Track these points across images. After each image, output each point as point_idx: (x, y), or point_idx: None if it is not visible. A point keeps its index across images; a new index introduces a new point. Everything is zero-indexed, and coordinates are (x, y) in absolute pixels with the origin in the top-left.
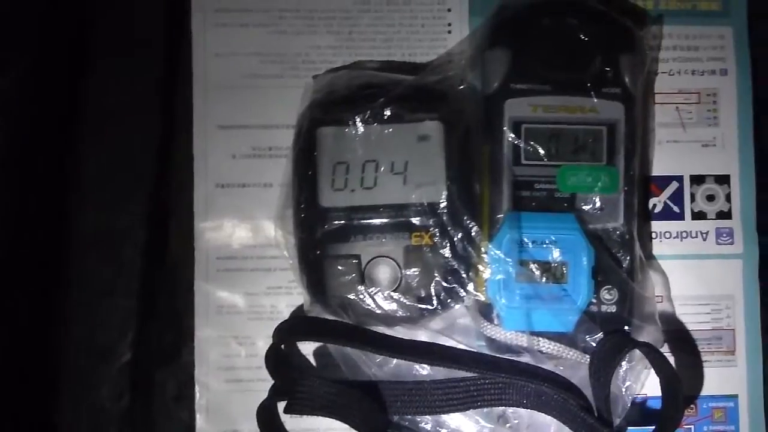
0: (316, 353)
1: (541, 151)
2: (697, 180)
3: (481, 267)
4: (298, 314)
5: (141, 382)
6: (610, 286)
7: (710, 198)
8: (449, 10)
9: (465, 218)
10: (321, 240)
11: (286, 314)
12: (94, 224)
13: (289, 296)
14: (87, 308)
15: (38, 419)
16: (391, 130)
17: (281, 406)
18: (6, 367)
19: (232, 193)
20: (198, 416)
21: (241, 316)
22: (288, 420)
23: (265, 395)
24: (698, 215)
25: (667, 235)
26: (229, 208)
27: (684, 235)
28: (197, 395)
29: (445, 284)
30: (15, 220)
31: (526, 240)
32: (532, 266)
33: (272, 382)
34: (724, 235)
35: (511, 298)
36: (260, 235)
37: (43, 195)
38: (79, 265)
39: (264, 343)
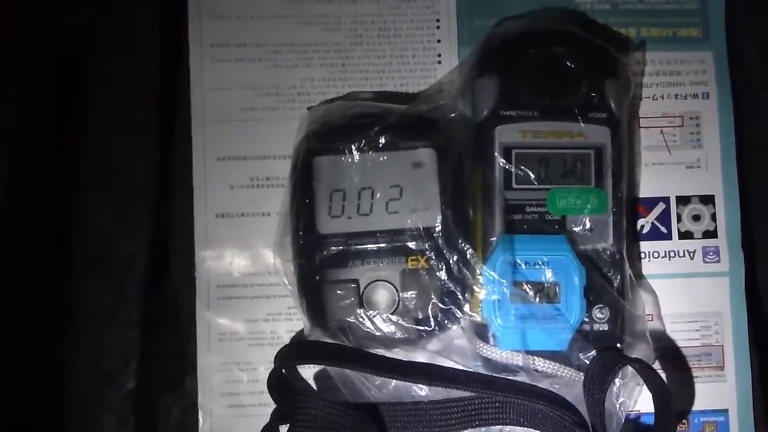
0: (317, 377)
1: (532, 175)
2: (683, 201)
3: (476, 288)
4: (299, 339)
5: (145, 409)
6: (601, 305)
7: (696, 218)
8: (439, 41)
9: (459, 241)
10: (319, 266)
11: (286, 339)
12: (96, 253)
13: (289, 322)
14: (90, 336)
15: None
16: (385, 157)
17: (283, 430)
18: (12, 393)
19: (232, 223)
20: None
21: (243, 342)
22: None
23: (267, 419)
24: (685, 235)
25: (656, 254)
26: (229, 237)
27: (672, 254)
28: (201, 421)
29: (441, 306)
30: (17, 249)
31: (519, 261)
32: (526, 287)
33: (274, 406)
34: (711, 253)
35: (506, 318)
36: (259, 263)
37: (45, 225)
38: (81, 293)
39: (265, 369)
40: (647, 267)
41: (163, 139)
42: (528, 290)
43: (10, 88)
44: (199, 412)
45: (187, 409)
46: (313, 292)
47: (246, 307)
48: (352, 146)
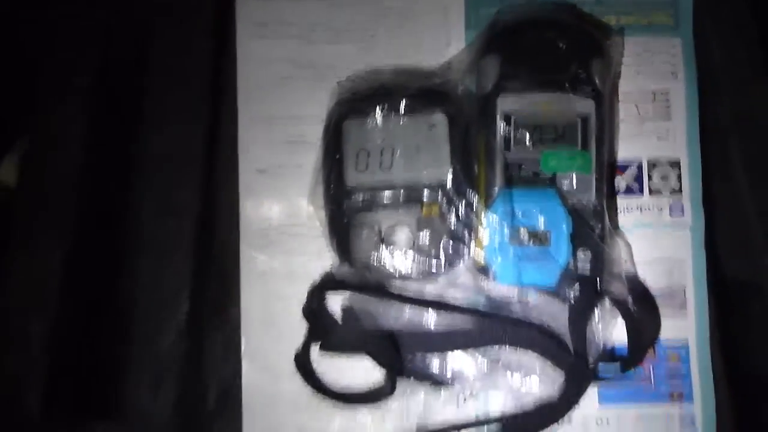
0: (343, 308)
1: (527, 139)
2: (653, 164)
3: (480, 232)
4: (329, 274)
5: (196, 335)
6: (585, 249)
7: (664, 178)
8: (448, 26)
9: (466, 193)
10: (347, 212)
11: (317, 275)
12: (156, 202)
13: (320, 260)
14: (153, 271)
15: (114, 363)
16: (404, 121)
17: (314, 352)
18: (92, 318)
19: (271, 176)
20: (244, 361)
21: (280, 277)
22: (317, 364)
23: (299, 342)
24: (655, 192)
25: (630, 208)
26: (268, 188)
27: (643, 208)
28: (243, 344)
29: (450, 247)
30: (93, 199)
31: (516, 211)
32: (522, 232)
33: (306, 333)
34: (676, 209)
35: (505, 258)
36: (295, 210)
37: (114, 175)
38: (145, 234)
39: (299, 300)
40: (623, 219)
41: (213, 106)
42: (523, 235)
43: (90, 56)
44: (242, 336)
45: (232, 333)
46: (341, 233)
47: (283, 246)
48: (376, 112)
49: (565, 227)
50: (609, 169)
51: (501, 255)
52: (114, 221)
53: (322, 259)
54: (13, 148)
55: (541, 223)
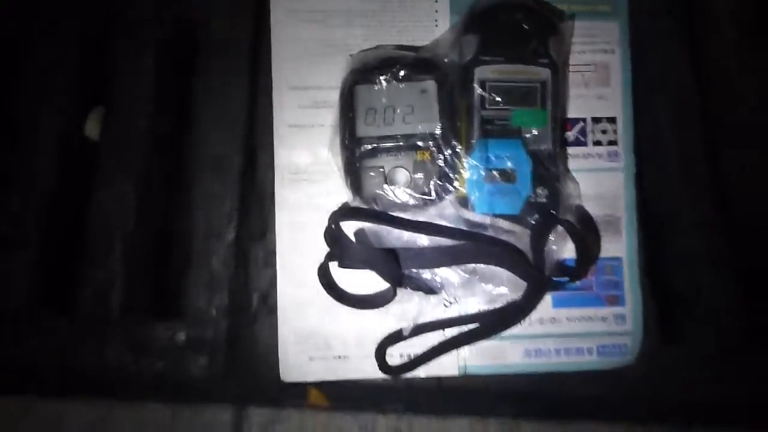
0: (356, 233)
1: (499, 100)
2: (596, 120)
3: (462, 172)
4: (344, 205)
5: (241, 255)
6: (543, 186)
7: (604, 132)
8: (436, 11)
9: (452, 142)
10: (358, 157)
11: (335, 206)
12: (208, 154)
13: (337, 196)
14: (207, 207)
15: (178, 276)
16: (403, 86)
17: (333, 266)
18: (159, 242)
19: (299, 131)
20: (278, 274)
21: (306, 208)
22: (335, 276)
23: (321, 260)
24: (596, 143)
25: (577, 156)
26: (297, 139)
27: (587, 155)
28: (277, 261)
29: (439, 183)
30: (161, 149)
31: (490, 156)
32: (494, 172)
33: (328, 250)
34: (613, 156)
35: (481, 192)
36: (317, 157)
37: (175, 129)
38: (200, 186)
39: (321, 226)
40: (572, 163)
41: (253, 76)
42: (496, 174)
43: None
44: (277, 255)
45: (269, 253)
46: (354, 174)
47: (309, 186)
48: (381, 79)
49: (527, 168)
50: (561, 124)
51: (478, 190)
52: (175, 168)
53: (339, 195)
54: (95, 107)
55: (509, 165)
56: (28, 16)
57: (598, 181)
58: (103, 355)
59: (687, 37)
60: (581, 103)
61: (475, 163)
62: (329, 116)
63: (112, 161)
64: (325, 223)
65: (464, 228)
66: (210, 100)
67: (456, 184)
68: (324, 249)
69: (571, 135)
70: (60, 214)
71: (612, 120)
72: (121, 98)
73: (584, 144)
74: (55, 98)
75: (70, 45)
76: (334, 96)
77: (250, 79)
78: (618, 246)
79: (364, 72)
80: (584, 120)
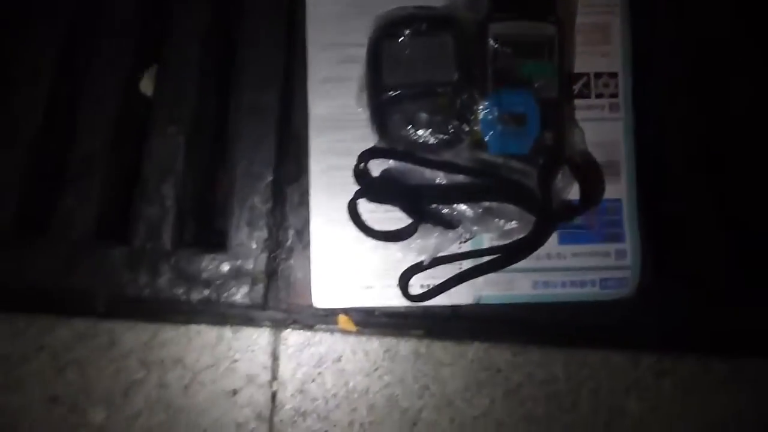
0: (382, 171)
1: (511, 53)
2: (598, 75)
3: (478, 116)
4: (372, 147)
5: (278, 194)
6: (550, 130)
7: (605, 85)
8: None
9: (468, 89)
10: (384, 102)
11: (362, 149)
12: (251, 105)
13: (364, 141)
14: (248, 153)
15: (222, 212)
16: (423, 40)
17: (361, 204)
18: (205, 183)
19: (332, 84)
20: (312, 211)
21: (337, 153)
22: (363, 212)
23: (351, 195)
24: (599, 96)
25: (581, 107)
26: (330, 91)
27: (591, 107)
28: (311, 200)
29: (457, 124)
30: (206, 101)
31: (502, 102)
32: (507, 116)
33: (356, 189)
34: (614, 107)
35: (495, 134)
36: (348, 104)
37: (221, 90)
38: (242, 133)
39: (350, 168)
40: (578, 114)
41: (289, 35)
42: (508, 118)
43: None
44: (311, 194)
45: (304, 192)
46: (381, 119)
47: (340, 130)
48: (405, 34)
49: (535, 114)
50: (567, 75)
51: (492, 132)
52: (220, 117)
53: (366, 141)
54: (149, 66)
55: (520, 110)
56: None
57: (601, 129)
58: (155, 283)
59: None
60: (585, 59)
61: (489, 108)
62: (357, 70)
63: (164, 113)
64: (354, 164)
65: (480, 167)
66: (251, 56)
67: (472, 127)
68: (352, 189)
69: (576, 88)
70: (119, 158)
71: (613, 75)
72: (171, 59)
73: (588, 96)
74: (117, 59)
75: (130, 13)
76: (362, 52)
77: (287, 36)
78: (618, 188)
79: (390, 28)
80: (588, 75)
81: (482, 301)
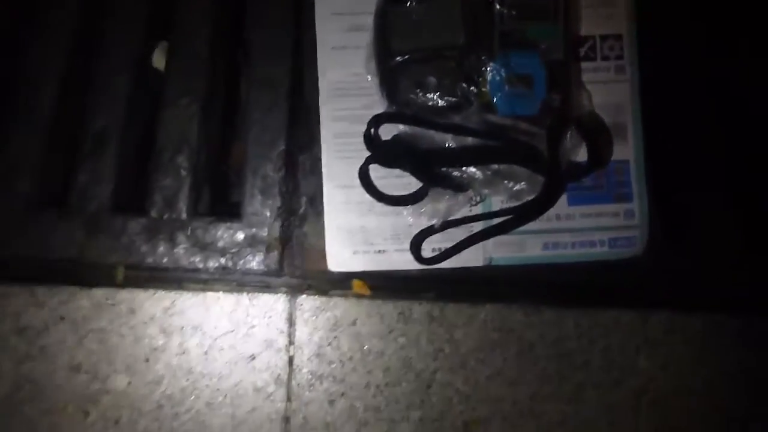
0: (392, 136)
1: (517, 15)
2: (603, 38)
3: (487, 77)
4: (381, 113)
5: (290, 162)
6: (556, 91)
7: (611, 48)
8: None
9: (475, 52)
10: (393, 68)
11: (372, 114)
12: (262, 75)
13: (373, 108)
14: (261, 122)
15: (236, 182)
16: (431, 4)
17: (372, 169)
18: (219, 152)
19: (340, 52)
20: (324, 178)
21: (346, 120)
22: (374, 177)
23: (361, 161)
24: (604, 58)
25: (588, 69)
26: (339, 58)
27: (597, 69)
28: (323, 166)
29: (464, 87)
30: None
31: (510, 63)
32: (514, 77)
33: (367, 155)
34: (620, 69)
35: (503, 95)
36: (357, 70)
37: (232, 64)
38: (254, 102)
39: (361, 134)
40: (585, 76)
41: (298, 8)
42: (516, 79)
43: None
44: (323, 161)
45: (315, 160)
46: (388, 84)
47: (350, 97)
48: (411, 1)
49: (542, 75)
50: (573, 38)
51: (500, 94)
52: (232, 89)
53: (375, 108)
54: (160, 42)
55: (526, 71)
56: None
57: (608, 91)
58: (172, 253)
59: None
60: (592, 22)
61: (497, 70)
62: (365, 38)
63: (176, 87)
64: (363, 132)
65: (489, 130)
66: (261, 26)
67: (480, 89)
68: (363, 155)
69: (581, 51)
70: (134, 131)
71: (619, 37)
72: (182, 34)
73: (594, 59)
74: (129, 34)
75: None
76: (370, 20)
77: (296, 7)
78: (626, 149)
79: None
80: (594, 37)
81: (493, 263)
